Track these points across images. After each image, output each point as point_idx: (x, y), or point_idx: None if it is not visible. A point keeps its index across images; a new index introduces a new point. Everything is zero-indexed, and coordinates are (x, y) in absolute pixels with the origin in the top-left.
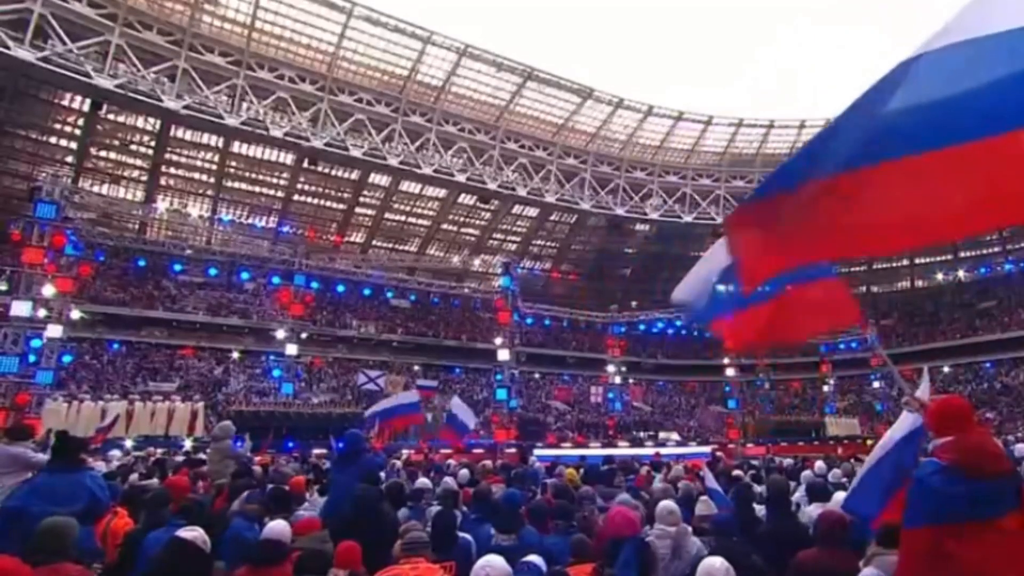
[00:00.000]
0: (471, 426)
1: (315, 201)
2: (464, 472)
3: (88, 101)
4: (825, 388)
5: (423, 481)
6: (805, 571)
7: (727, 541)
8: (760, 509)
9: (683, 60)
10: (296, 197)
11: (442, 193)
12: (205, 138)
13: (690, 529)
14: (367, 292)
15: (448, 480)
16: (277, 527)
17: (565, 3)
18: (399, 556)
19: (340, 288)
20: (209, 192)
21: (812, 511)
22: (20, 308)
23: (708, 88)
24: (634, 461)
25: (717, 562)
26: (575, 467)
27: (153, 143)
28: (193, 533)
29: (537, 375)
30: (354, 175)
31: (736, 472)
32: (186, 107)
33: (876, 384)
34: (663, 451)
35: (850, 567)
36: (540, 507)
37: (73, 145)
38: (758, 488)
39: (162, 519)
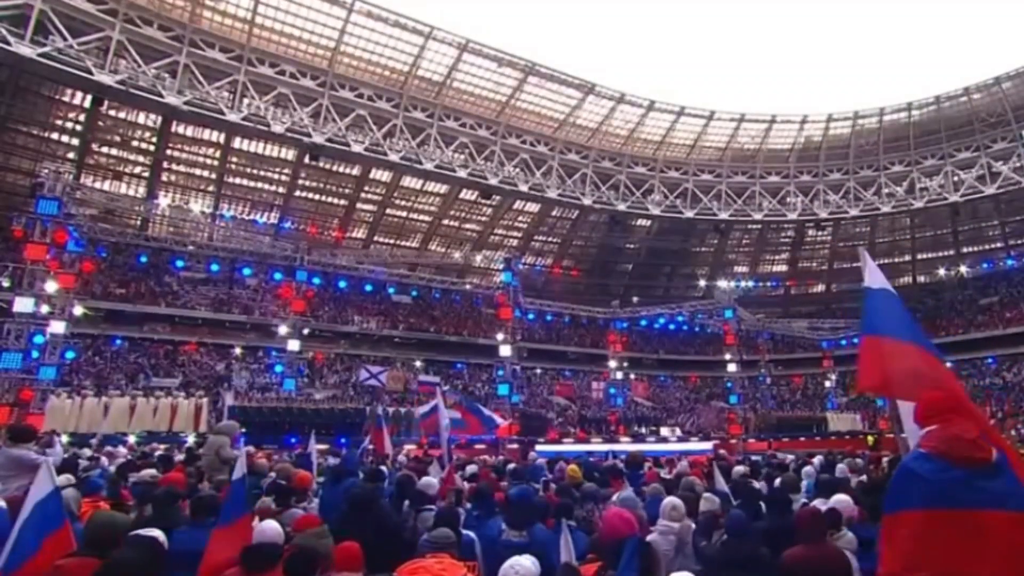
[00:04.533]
0: (499, 422)
1: (316, 197)
2: (471, 468)
3: (89, 97)
4: (827, 383)
5: (428, 480)
6: (795, 569)
7: (739, 536)
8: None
9: (685, 56)
10: (297, 193)
11: (443, 189)
12: (206, 134)
13: (693, 526)
14: (369, 288)
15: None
16: (269, 528)
17: None
18: (424, 551)
19: (342, 284)
20: (211, 188)
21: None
22: (23, 304)
23: (710, 83)
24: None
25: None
26: (576, 462)
27: (154, 139)
28: (155, 532)
29: (539, 371)
30: (355, 171)
31: (739, 468)
32: (187, 103)
33: None
34: (667, 447)
35: (835, 558)
36: (542, 504)
37: (75, 141)
38: (758, 484)
39: (173, 516)
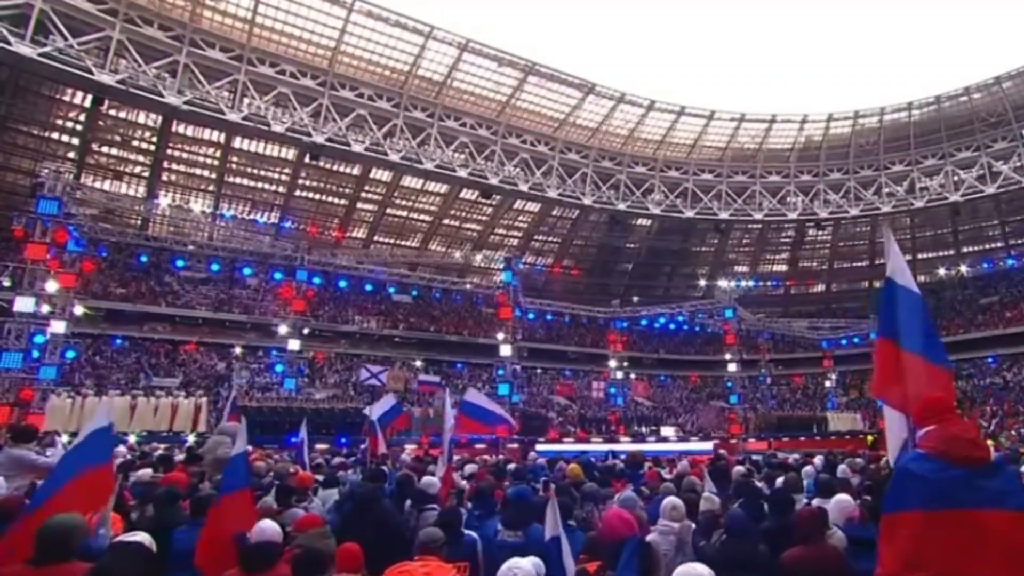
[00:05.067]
0: (500, 414)
1: (317, 197)
2: (470, 467)
3: (89, 97)
4: (827, 383)
5: (429, 480)
6: (793, 569)
7: (739, 536)
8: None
9: (685, 56)
10: (298, 193)
11: (444, 188)
12: (207, 134)
13: (693, 526)
14: (369, 287)
15: (454, 476)
16: (267, 528)
17: None
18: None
19: (342, 283)
20: (211, 188)
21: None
22: (23, 304)
23: (710, 83)
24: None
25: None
26: (577, 461)
27: (155, 139)
28: (140, 537)
29: (539, 370)
30: (356, 170)
31: (739, 468)
32: (187, 103)
33: None
34: (668, 447)
35: (832, 559)
36: (541, 503)
37: (75, 141)
38: (760, 484)
39: (174, 516)
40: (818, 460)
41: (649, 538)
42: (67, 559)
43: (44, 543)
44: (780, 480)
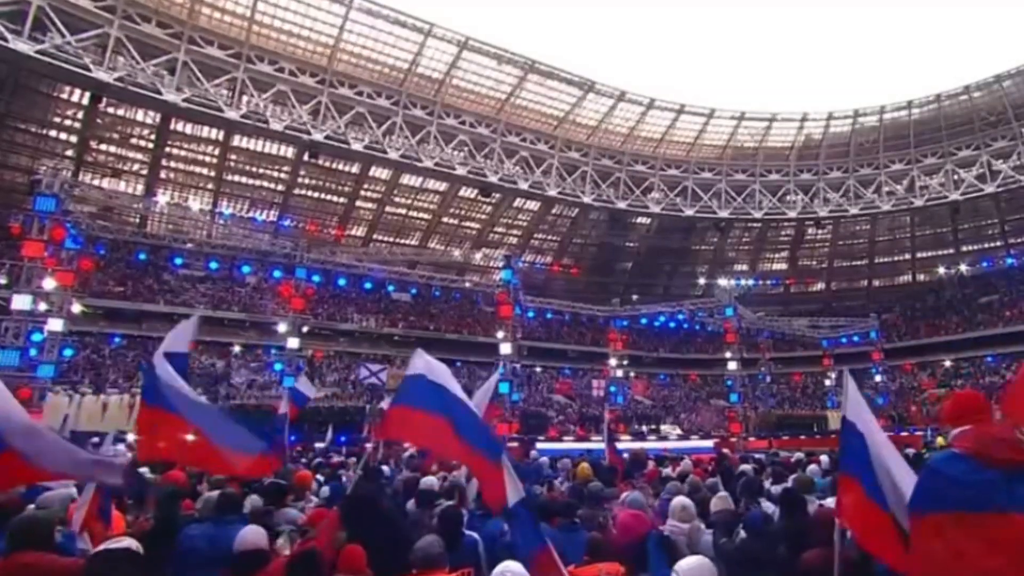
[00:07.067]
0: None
1: (316, 195)
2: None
3: (88, 94)
4: (827, 382)
5: (429, 480)
6: (810, 572)
7: (758, 536)
8: (768, 505)
9: (685, 54)
10: (297, 191)
11: (443, 186)
12: (205, 131)
13: (703, 525)
14: (368, 286)
15: (455, 474)
16: (248, 535)
17: None
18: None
19: (341, 282)
20: (210, 186)
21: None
22: (21, 302)
23: (710, 81)
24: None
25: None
26: (583, 460)
27: (153, 136)
28: (126, 542)
29: (539, 369)
30: (355, 168)
31: (744, 466)
32: (186, 100)
33: (878, 378)
34: (668, 445)
35: (853, 562)
36: (544, 503)
37: (73, 138)
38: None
39: (174, 515)
40: (824, 459)
41: None
42: (39, 549)
43: (16, 534)
44: (791, 479)
